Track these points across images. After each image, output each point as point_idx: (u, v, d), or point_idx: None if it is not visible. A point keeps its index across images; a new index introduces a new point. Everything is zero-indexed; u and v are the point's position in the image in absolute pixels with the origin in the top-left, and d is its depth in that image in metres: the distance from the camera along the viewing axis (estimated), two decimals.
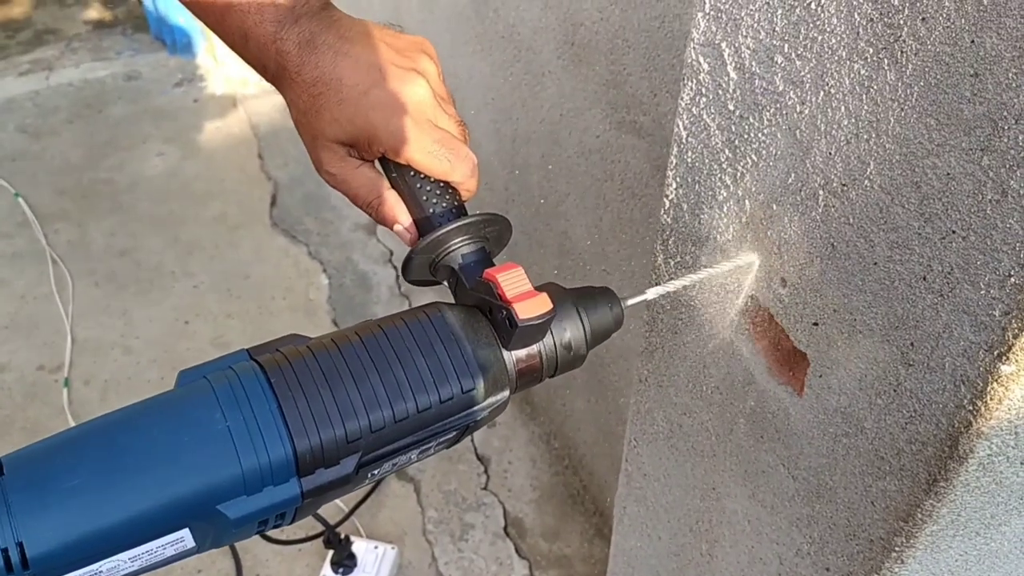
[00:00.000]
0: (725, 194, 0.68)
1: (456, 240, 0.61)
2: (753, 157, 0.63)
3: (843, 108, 0.54)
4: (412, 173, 0.64)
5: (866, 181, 0.54)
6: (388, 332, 0.53)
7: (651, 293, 0.67)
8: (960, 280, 0.50)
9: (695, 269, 0.73)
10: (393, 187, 0.64)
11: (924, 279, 0.52)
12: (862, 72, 0.52)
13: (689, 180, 0.72)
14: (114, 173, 2.35)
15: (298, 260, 2.10)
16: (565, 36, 1.20)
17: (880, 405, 0.59)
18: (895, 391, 0.57)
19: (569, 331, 0.59)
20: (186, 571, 1.61)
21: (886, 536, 0.62)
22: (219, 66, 2.76)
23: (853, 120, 0.54)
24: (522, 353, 0.58)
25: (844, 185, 0.56)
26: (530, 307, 0.55)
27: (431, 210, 0.63)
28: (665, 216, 0.76)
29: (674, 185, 0.74)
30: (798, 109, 0.58)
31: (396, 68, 0.61)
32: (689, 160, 0.71)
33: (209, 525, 0.47)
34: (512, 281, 0.56)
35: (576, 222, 1.32)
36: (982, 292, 0.49)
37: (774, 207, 0.63)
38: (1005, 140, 0.45)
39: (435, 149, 0.60)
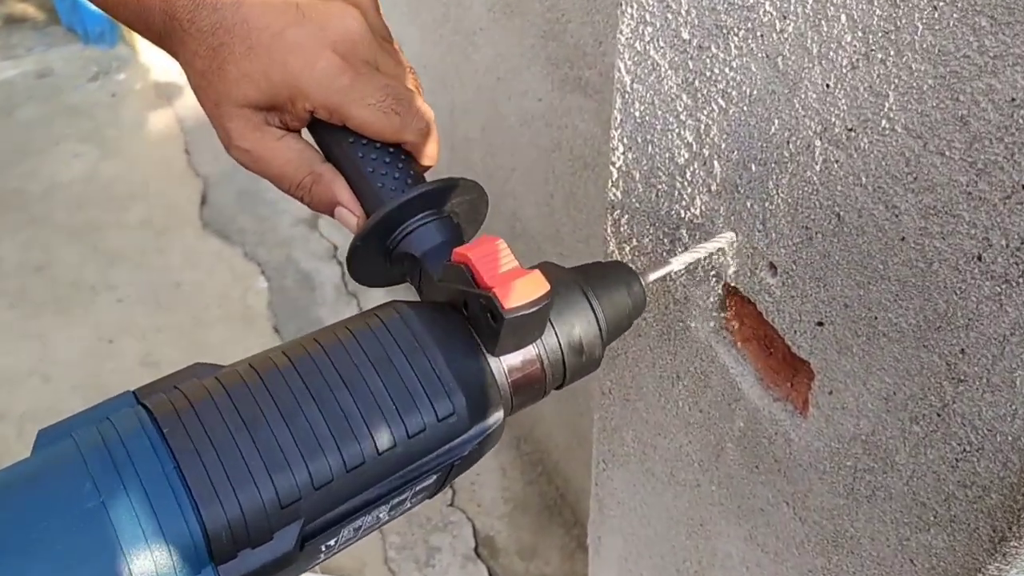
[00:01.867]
0: (687, 155, 0.51)
1: (415, 217, 0.46)
2: (720, 101, 0.46)
3: (843, 17, 0.38)
4: (351, 139, 0.48)
5: (883, 122, 0.37)
6: (329, 349, 0.39)
7: (676, 263, 0.50)
8: None
9: (672, 251, 0.56)
10: (329, 160, 0.49)
11: (979, 259, 0.36)
12: None
13: (639, 140, 0.54)
14: (25, 181, 2.14)
15: (233, 263, 1.92)
16: None
17: (917, 434, 0.42)
18: (939, 416, 0.41)
19: (577, 324, 0.45)
20: None
21: None
22: (138, 54, 2.55)
23: (860, 33, 0.37)
24: (516, 359, 0.43)
25: (851, 130, 0.39)
26: (518, 291, 0.40)
27: (380, 183, 0.47)
28: (613, 190, 0.59)
29: (621, 148, 0.56)
30: (778, 27, 0.41)
31: (319, 2, 0.46)
32: (637, 114, 0.53)
33: None
34: (490, 259, 0.41)
35: (525, 200, 1.15)
36: None
37: (753, 168, 0.46)
38: None
39: (379, 100, 0.46)
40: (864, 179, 0.39)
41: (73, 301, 1.82)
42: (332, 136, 0.48)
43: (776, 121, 0.43)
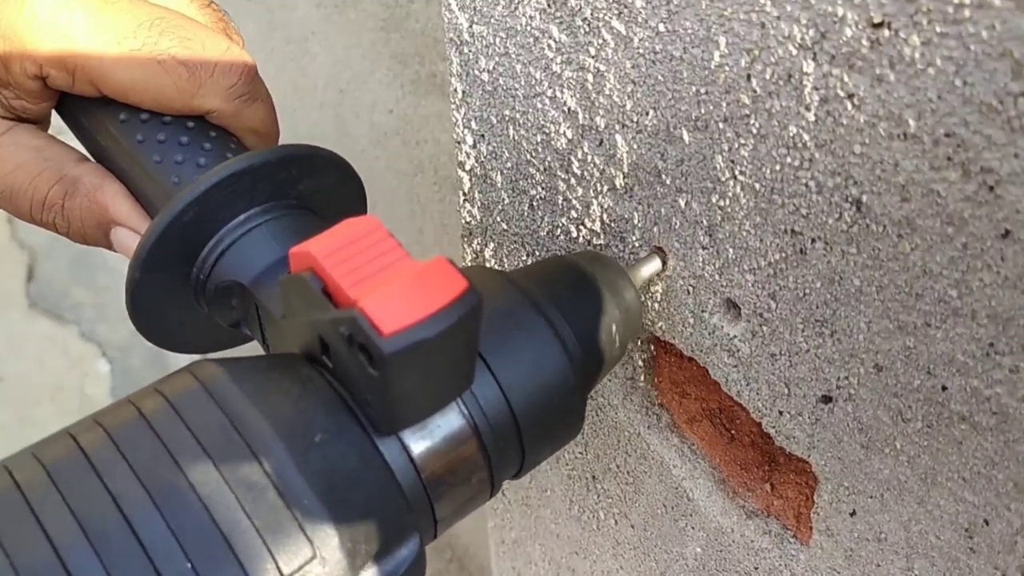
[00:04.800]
0: (569, 132, 0.30)
1: (232, 218, 0.28)
2: (616, 25, 0.26)
3: None
4: (123, 115, 0.30)
5: None
6: (56, 471, 0.21)
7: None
8: None
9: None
10: (94, 157, 0.32)
11: None
12: None
13: (494, 120, 0.34)
14: None
15: (68, 346, 1.64)
16: None
17: None
18: None
19: (532, 360, 0.26)
20: None
21: None
22: None
23: None
24: (429, 435, 0.24)
25: (881, 25, 0.19)
26: (407, 299, 0.21)
27: (175, 178, 0.30)
28: (467, 206, 0.39)
29: (469, 139, 0.36)
30: None
31: None
32: (485, 76, 0.33)
33: None
34: (353, 252, 0.22)
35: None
36: None
37: (685, 136, 0.26)
38: None
39: (149, 44, 0.29)
40: (914, 123, 0.20)
41: None
42: (89, 115, 0.31)
43: (722, 39, 0.23)
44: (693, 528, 0.36)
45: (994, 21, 0.18)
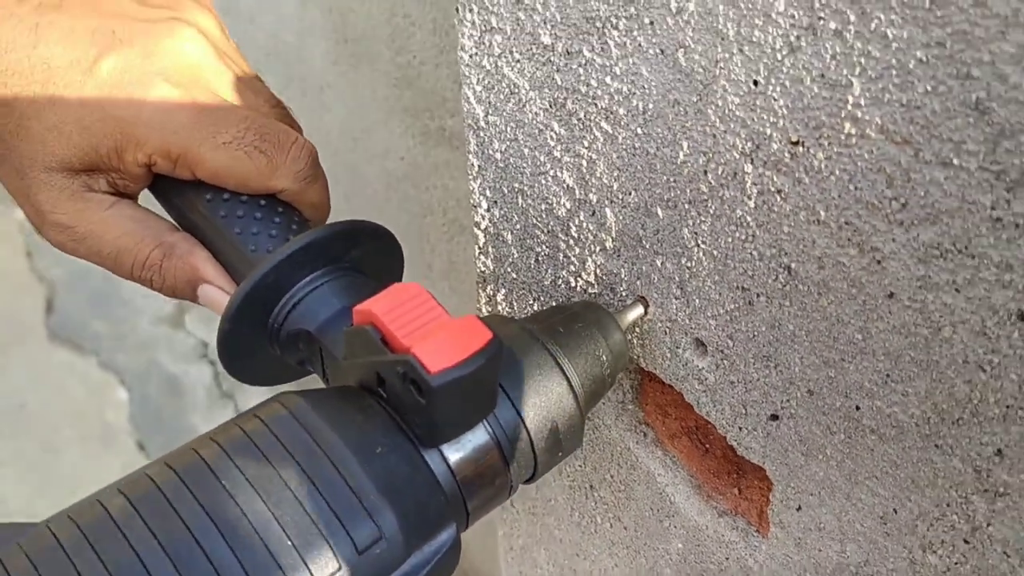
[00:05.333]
0: (568, 204, 0.38)
1: (303, 279, 0.35)
2: (604, 125, 0.34)
3: None
4: (208, 195, 0.36)
5: (847, 125, 0.25)
6: (186, 474, 0.28)
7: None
8: None
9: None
10: (183, 228, 0.39)
11: (1020, 317, 0.24)
12: None
13: (505, 191, 0.41)
14: None
15: (87, 375, 1.70)
16: (335, 32, 0.90)
17: (935, 566, 0.30)
18: (967, 543, 0.28)
19: (542, 389, 0.33)
20: None
21: None
22: None
23: None
24: (462, 448, 0.31)
25: (797, 143, 0.27)
26: (448, 345, 0.28)
27: (252, 246, 0.36)
28: (482, 258, 0.46)
29: (484, 204, 0.43)
30: (674, 6, 0.28)
31: (141, 23, 0.36)
32: (498, 156, 0.40)
33: None
34: (404, 311, 0.29)
35: (403, 276, 1.00)
36: None
37: (660, 212, 0.33)
38: None
39: (236, 137, 0.36)
40: (823, 213, 0.27)
41: None
42: (182, 195, 0.37)
43: (685, 144, 0.30)
44: (675, 527, 0.43)
45: (872, 147, 0.25)
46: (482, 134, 0.40)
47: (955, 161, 0.23)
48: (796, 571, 0.36)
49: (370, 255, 0.37)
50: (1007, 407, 0.25)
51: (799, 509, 0.34)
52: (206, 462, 0.28)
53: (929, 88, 0.22)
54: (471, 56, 0.38)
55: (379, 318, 0.29)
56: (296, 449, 0.29)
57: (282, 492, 0.28)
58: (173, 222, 0.39)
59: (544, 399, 0.33)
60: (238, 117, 0.36)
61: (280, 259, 0.34)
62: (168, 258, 0.37)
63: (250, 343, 0.35)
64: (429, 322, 0.29)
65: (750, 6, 0.26)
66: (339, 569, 0.27)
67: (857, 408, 0.29)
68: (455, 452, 0.31)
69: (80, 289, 1.89)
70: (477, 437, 0.31)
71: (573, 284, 0.40)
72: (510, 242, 0.43)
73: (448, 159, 0.80)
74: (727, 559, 0.40)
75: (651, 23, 0.29)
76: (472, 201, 0.44)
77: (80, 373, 1.74)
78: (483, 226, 0.44)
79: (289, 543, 0.27)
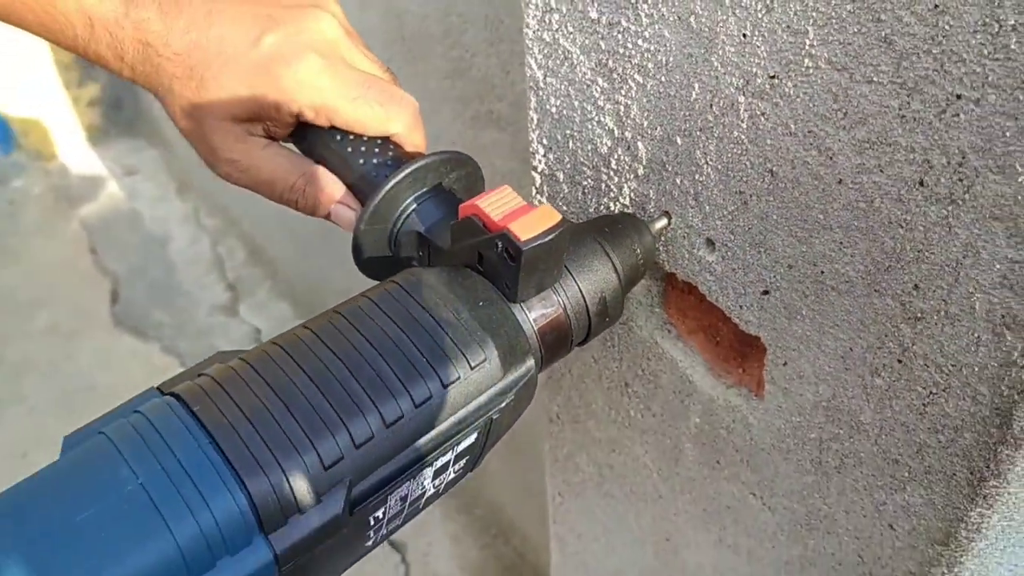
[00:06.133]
0: (609, 142, 0.50)
1: (413, 194, 0.47)
2: (637, 77, 0.45)
3: None
4: (339, 136, 0.48)
5: (806, 61, 0.37)
6: (351, 316, 0.39)
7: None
8: (982, 170, 0.32)
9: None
10: (318, 162, 0.50)
11: (921, 184, 0.35)
12: None
13: (559, 138, 0.53)
14: None
15: (150, 359, 1.83)
16: (392, 32, 1.02)
17: (880, 387, 0.41)
18: (900, 362, 0.39)
19: (595, 271, 0.46)
20: None
21: (919, 570, 0.44)
22: (36, 160, 2.47)
23: None
24: (538, 306, 0.44)
25: (774, 77, 0.38)
26: (531, 223, 0.40)
27: (374, 173, 0.48)
28: (538, 196, 0.58)
29: (541, 151, 0.55)
30: None
31: (288, 9, 0.48)
32: (554, 110, 0.52)
33: None
34: (498, 202, 0.41)
35: None
36: (1020, 180, 0.32)
37: (679, 140, 0.45)
38: None
39: (362, 94, 0.48)
40: (793, 126, 0.39)
41: None
42: (319, 137, 0.49)
43: (696, 85, 0.42)
44: (694, 404, 0.54)
45: (822, 74, 0.36)
46: (541, 93, 0.52)
47: (875, 79, 0.34)
48: (784, 418, 0.47)
49: (461, 178, 0.48)
50: (918, 251, 0.36)
51: (785, 364, 0.46)
52: (363, 310, 0.40)
53: (856, 30, 0.34)
54: (534, 32, 0.50)
55: (481, 209, 0.41)
56: (424, 300, 0.40)
57: (417, 328, 0.39)
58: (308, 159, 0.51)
59: (596, 276, 0.45)
60: (364, 80, 0.48)
61: (400, 178, 0.45)
62: (310, 184, 0.49)
63: (373, 243, 0.47)
64: (516, 209, 0.41)
65: None
66: (458, 379, 0.39)
67: (822, 272, 0.41)
68: (534, 309, 0.43)
69: (141, 282, 2.03)
70: (548, 300, 0.43)
71: (612, 209, 0.52)
72: (561, 180, 0.55)
73: (496, 139, 0.92)
74: (733, 421, 0.51)
75: None
76: (531, 149, 0.56)
77: (143, 358, 1.87)
78: (540, 169, 0.56)
79: (423, 358, 0.38)
